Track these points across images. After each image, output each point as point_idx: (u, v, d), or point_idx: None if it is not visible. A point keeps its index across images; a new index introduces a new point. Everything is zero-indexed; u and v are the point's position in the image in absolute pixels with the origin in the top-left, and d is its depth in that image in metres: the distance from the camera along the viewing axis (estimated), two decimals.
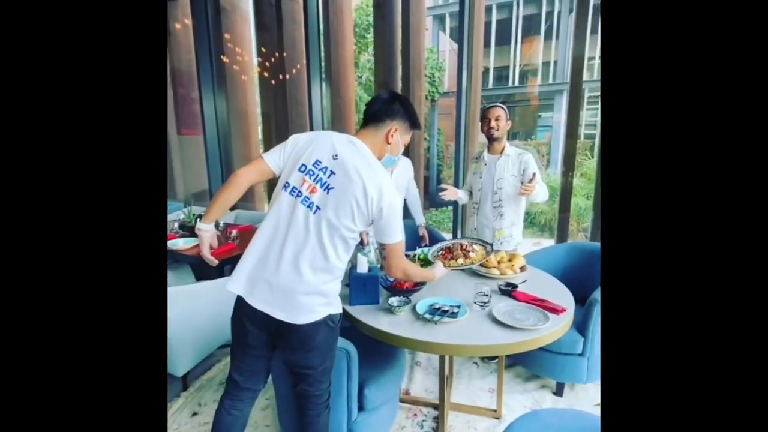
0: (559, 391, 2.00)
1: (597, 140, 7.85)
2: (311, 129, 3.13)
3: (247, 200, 4.52)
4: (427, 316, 1.35)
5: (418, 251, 1.89)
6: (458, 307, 1.43)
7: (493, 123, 2.05)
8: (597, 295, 1.79)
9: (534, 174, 1.89)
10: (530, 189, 1.87)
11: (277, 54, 4.31)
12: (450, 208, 8.13)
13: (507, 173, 2.06)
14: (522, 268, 1.83)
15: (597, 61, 8.37)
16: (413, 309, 1.44)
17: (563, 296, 1.60)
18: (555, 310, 1.43)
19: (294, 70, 4.56)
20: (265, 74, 4.46)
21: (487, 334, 1.28)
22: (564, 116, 8.55)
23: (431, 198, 8.88)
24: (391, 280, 1.61)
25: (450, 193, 2.11)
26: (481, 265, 1.90)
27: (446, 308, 1.41)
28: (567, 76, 8.88)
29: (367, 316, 1.41)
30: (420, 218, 2.50)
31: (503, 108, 2.08)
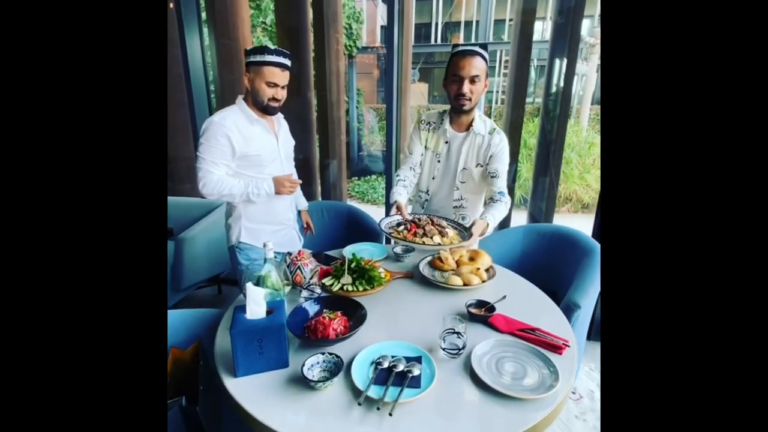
0: None
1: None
2: (187, 75, 2.28)
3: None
4: (373, 395, 0.79)
5: (345, 251, 1.30)
6: (418, 359, 0.89)
7: (466, 88, 1.31)
8: (576, 298, 1.40)
9: (474, 225, 1.32)
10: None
11: None
12: (374, 177, 7.60)
13: (472, 162, 1.46)
14: (488, 271, 1.35)
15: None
16: (347, 376, 0.86)
17: (548, 311, 1.16)
18: (554, 347, 0.98)
19: (171, 5, 3.53)
20: None
21: (475, 421, 0.76)
22: (498, 79, 8.30)
23: (353, 165, 8.21)
24: (305, 324, 1.00)
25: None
26: (433, 266, 1.39)
27: (400, 367, 0.86)
28: (489, 36, 8.65)
29: (264, 402, 0.79)
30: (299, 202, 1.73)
31: (484, 58, 1.32)
